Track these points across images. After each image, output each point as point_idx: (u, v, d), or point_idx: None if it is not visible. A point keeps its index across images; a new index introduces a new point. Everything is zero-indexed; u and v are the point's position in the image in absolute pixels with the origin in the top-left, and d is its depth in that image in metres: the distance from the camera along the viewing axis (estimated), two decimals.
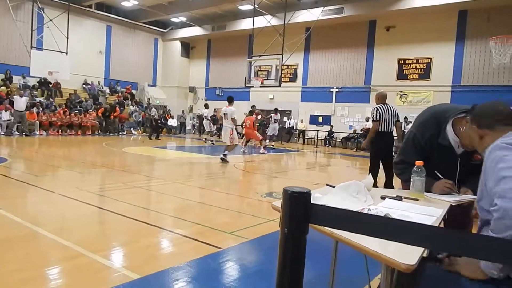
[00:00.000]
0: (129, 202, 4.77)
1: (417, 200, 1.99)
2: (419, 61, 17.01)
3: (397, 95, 17.21)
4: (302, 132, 20.38)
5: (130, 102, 22.44)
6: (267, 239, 3.58)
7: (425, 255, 1.49)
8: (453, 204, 1.96)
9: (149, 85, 24.61)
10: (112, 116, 19.00)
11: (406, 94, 17.28)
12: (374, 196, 1.92)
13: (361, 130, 17.82)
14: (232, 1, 19.16)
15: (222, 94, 23.98)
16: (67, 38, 16.84)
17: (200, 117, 19.90)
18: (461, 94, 15.63)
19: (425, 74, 16.88)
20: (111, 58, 22.83)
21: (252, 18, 17.00)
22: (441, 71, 16.40)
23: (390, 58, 17.71)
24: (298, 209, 0.83)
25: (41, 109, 16.73)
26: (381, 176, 5.88)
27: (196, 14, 22.06)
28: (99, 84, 22.11)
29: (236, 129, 9.91)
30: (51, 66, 15.97)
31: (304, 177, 8.53)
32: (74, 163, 8.49)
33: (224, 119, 9.86)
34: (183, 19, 22.87)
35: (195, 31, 23.63)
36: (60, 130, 16.94)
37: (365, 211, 1.59)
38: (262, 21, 17.47)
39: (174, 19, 23.36)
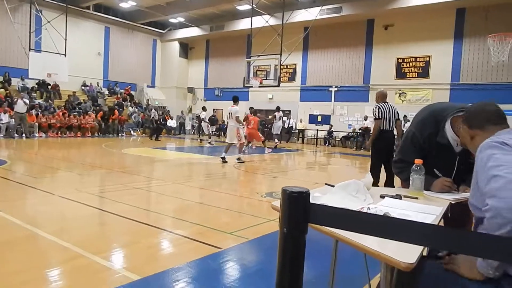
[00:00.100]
0: (128, 203, 4.77)
1: (417, 198, 2.00)
2: (418, 60, 17.02)
3: (396, 93, 17.21)
4: (302, 131, 20.38)
5: (129, 103, 22.43)
6: (267, 239, 3.58)
7: (425, 253, 1.49)
8: (453, 202, 1.96)
9: (148, 86, 24.59)
10: (110, 120, 18.98)
11: (405, 93, 17.29)
12: (374, 195, 1.92)
13: (359, 129, 17.84)
14: (230, 1, 19.16)
15: (221, 95, 23.99)
16: (65, 39, 16.82)
17: (199, 119, 19.93)
18: (460, 92, 15.65)
19: (424, 72, 16.89)
20: (109, 59, 22.81)
21: (250, 18, 16.99)
22: (439, 69, 16.41)
23: (388, 57, 17.72)
24: (297, 209, 0.83)
25: (40, 111, 16.72)
26: (381, 175, 5.87)
27: (194, 15, 22.05)
28: (98, 85, 22.09)
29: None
30: (50, 68, 15.95)
31: (303, 177, 8.53)
32: (74, 165, 8.48)
33: (229, 118, 9.99)
34: (181, 19, 22.86)
35: (193, 31, 23.63)
36: (59, 132, 16.93)
37: (365, 210, 1.59)
38: (260, 21, 17.47)
39: (172, 20, 23.35)
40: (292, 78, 20.98)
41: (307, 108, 20.46)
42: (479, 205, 1.43)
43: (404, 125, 14.20)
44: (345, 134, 18.67)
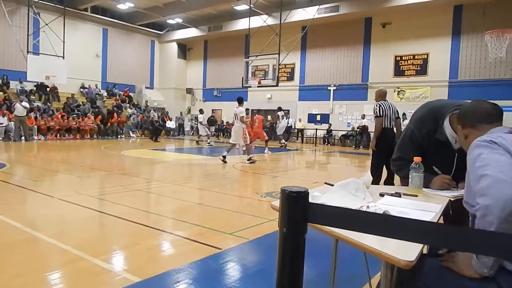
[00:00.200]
0: (128, 205, 4.77)
1: (416, 196, 2.00)
2: (416, 57, 17.03)
3: (394, 91, 17.22)
4: (301, 131, 20.38)
5: (128, 105, 22.41)
6: (268, 239, 3.58)
7: (425, 251, 1.49)
8: (452, 199, 1.96)
9: (146, 88, 24.59)
10: (109, 123, 18.97)
11: (404, 90, 17.30)
12: (373, 193, 1.92)
13: (357, 128, 17.85)
14: (227, 2, 19.16)
15: (219, 95, 23.99)
16: (64, 42, 16.82)
17: (197, 121, 19.97)
18: (458, 89, 15.67)
19: (422, 70, 16.91)
20: (108, 61, 22.80)
21: (248, 18, 16.99)
22: (437, 67, 16.43)
23: (386, 55, 17.73)
24: (296, 208, 0.82)
25: (38, 113, 16.70)
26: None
27: (192, 15, 22.05)
28: (96, 87, 22.08)
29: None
30: (48, 70, 15.95)
31: (303, 176, 8.53)
32: (73, 167, 8.48)
33: (235, 119, 10.04)
34: (179, 20, 22.86)
35: (191, 32, 23.62)
36: (58, 135, 16.92)
37: (364, 208, 1.59)
38: (258, 21, 17.47)
39: (170, 21, 23.34)
40: (290, 78, 20.98)
41: (306, 107, 20.47)
42: (472, 203, 1.44)
43: (401, 123, 14.20)
44: (344, 132, 18.67)
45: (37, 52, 16.96)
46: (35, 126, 15.98)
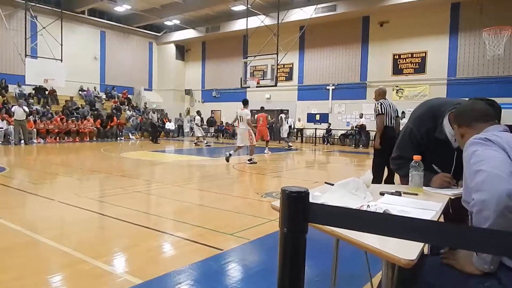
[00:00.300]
0: (128, 206, 4.76)
1: (416, 194, 2.00)
2: (414, 56, 17.04)
3: (393, 90, 17.22)
4: (300, 130, 20.38)
5: (127, 107, 22.40)
6: (269, 239, 3.57)
7: (426, 251, 1.49)
8: (452, 197, 1.96)
9: (145, 89, 24.57)
10: (109, 126, 18.96)
11: (402, 89, 17.31)
12: (373, 192, 1.92)
13: (356, 127, 17.86)
14: (225, 2, 19.15)
15: (218, 96, 23.99)
16: (61, 45, 16.79)
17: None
18: (457, 87, 15.67)
19: (420, 68, 16.92)
20: (106, 63, 22.78)
21: (245, 19, 17.00)
22: (436, 65, 16.44)
23: (384, 54, 17.74)
24: (297, 208, 0.83)
25: (37, 117, 16.69)
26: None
27: (189, 17, 22.04)
28: (95, 90, 22.05)
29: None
30: (46, 73, 15.92)
31: (303, 176, 8.53)
32: (73, 170, 8.47)
33: (240, 121, 10.04)
34: (177, 22, 22.85)
35: (189, 33, 23.61)
36: (57, 138, 16.89)
37: (365, 207, 1.59)
38: (256, 21, 17.47)
39: (168, 23, 23.34)
40: (289, 78, 20.98)
41: (305, 107, 20.47)
42: (469, 200, 1.45)
43: (400, 122, 14.20)
44: (343, 132, 18.68)
45: (35, 55, 16.92)
46: (34, 130, 15.95)
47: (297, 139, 20.45)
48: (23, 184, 6.60)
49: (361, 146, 17.12)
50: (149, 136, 19.35)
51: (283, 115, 17.17)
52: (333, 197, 1.76)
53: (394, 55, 17.54)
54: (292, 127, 20.42)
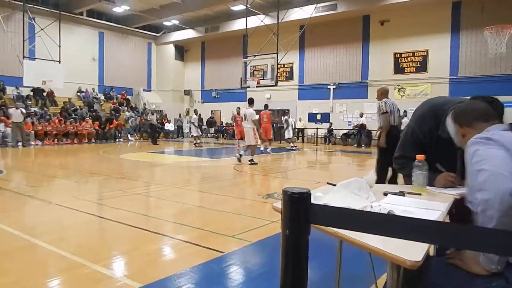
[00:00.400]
0: (128, 209, 4.73)
1: (420, 194, 1.96)
2: (415, 54, 17.00)
3: (394, 89, 17.17)
4: (301, 130, 20.34)
5: (126, 108, 22.38)
6: (270, 241, 3.53)
7: (431, 252, 1.47)
8: (457, 197, 1.92)
9: (144, 90, 24.55)
10: (108, 128, 18.93)
11: (404, 88, 17.27)
12: (376, 193, 1.88)
13: (356, 126, 17.83)
14: (224, 2, 19.14)
15: (218, 96, 23.96)
16: (59, 46, 16.77)
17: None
18: (459, 85, 15.64)
19: (422, 67, 16.89)
20: (104, 64, 22.77)
21: (245, 18, 16.97)
22: (437, 63, 16.41)
23: (386, 52, 17.71)
24: (298, 210, 0.81)
25: (35, 119, 16.66)
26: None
27: (188, 17, 22.03)
28: (93, 91, 22.04)
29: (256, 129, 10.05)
30: (44, 75, 15.89)
31: (305, 176, 8.49)
32: (71, 172, 8.44)
33: (244, 120, 10.05)
34: (176, 22, 22.84)
35: (188, 33, 23.60)
36: (56, 139, 16.86)
37: (368, 208, 1.56)
38: (255, 21, 17.45)
39: (167, 23, 23.32)
40: (289, 77, 20.95)
41: (306, 106, 20.44)
42: (474, 200, 1.43)
43: (401, 121, 14.16)
44: (345, 131, 18.65)
45: (33, 57, 16.90)
46: (32, 132, 15.92)
47: (298, 139, 20.42)
48: (21, 187, 6.56)
49: (363, 145, 17.07)
50: (148, 137, 19.34)
51: (287, 117, 17.11)
52: (335, 197, 1.72)
53: (395, 54, 17.51)
54: (293, 126, 20.39)
